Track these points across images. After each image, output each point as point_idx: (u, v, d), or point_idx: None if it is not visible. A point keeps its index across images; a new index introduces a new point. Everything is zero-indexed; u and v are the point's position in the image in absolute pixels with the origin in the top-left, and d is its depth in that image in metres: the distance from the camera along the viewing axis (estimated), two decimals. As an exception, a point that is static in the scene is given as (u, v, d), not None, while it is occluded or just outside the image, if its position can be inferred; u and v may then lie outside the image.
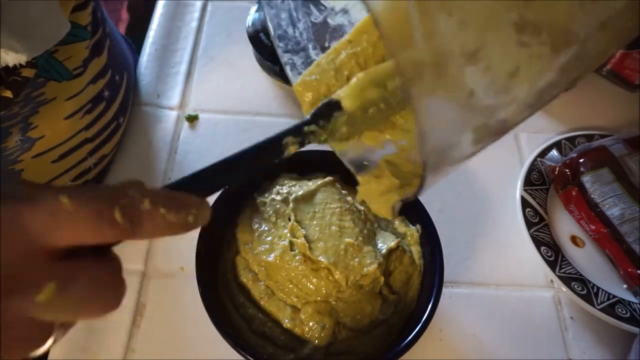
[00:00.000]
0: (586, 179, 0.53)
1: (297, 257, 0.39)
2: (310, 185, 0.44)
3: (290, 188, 0.44)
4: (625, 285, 0.50)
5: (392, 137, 0.30)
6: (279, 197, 0.43)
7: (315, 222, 0.41)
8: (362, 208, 0.44)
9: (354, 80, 0.30)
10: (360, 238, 0.41)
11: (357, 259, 0.39)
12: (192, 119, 0.58)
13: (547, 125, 0.62)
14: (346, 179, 0.46)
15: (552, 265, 0.49)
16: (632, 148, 0.54)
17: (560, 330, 0.48)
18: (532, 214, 0.52)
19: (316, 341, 0.39)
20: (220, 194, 0.42)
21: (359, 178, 0.31)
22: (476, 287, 0.50)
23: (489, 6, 0.20)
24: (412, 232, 0.44)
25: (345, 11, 0.35)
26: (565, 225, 0.54)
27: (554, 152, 0.57)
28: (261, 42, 0.59)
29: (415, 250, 0.44)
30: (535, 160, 0.56)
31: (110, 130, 0.52)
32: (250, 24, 0.60)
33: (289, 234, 0.40)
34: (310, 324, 0.39)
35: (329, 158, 0.37)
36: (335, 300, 0.40)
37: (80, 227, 0.21)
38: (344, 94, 0.29)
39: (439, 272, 0.41)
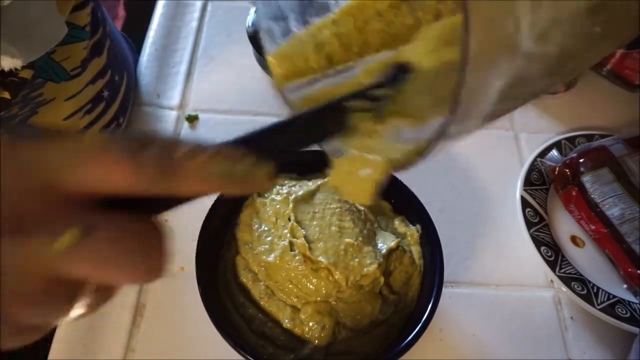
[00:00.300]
0: (586, 179, 0.53)
1: (297, 257, 0.39)
2: (310, 185, 0.44)
3: (290, 188, 0.44)
4: (625, 285, 0.50)
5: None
6: (278, 197, 0.43)
7: (315, 222, 0.41)
8: (362, 208, 0.44)
9: (420, 38, 0.26)
10: (360, 238, 0.41)
11: (357, 259, 0.39)
12: (192, 119, 0.58)
13: (547, 125, 0.62)
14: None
15: (552, 265, 0.49)
16: (632, 148, 0.54)
17: (560, 330, 0.48)
18: (532, 214, 0.52)
19: (316, 341, 0.39)
20: (220, 194, 0.42)
21: (334, 160, 0.27)
22: (476, 287, 0.50)
23: None
24: (412, 232, 0.44)
25: None
26: (565, 225, 0.54)
27: (554, 152, 0.57)
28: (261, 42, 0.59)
29: (415, 250, 0.44)
30: (535, 160, 0.56)
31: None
32: (250, 24, 0.60)
33: (288, 234, 0.40)
34: (310, 324, 0.39)
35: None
36: (335, 301, 0.40)
37: (105, 168, 0.18)
38: (417, 52, 0.26)
39: (439, 272, 0.41)
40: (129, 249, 0.19)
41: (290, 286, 0.40)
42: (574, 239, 0.53)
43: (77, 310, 0.19)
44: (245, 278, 0.41)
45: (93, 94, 0.49)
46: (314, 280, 0.39)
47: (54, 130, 0.19)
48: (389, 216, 0.46)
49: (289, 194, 0.43)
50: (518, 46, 0.19)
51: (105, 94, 0.51)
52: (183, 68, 0.62)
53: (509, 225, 0.53)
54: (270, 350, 0.39)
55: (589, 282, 0.49)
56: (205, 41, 0.65)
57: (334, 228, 0.41)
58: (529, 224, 0.51)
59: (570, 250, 0.52)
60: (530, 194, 0.54)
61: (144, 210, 0.20)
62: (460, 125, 0.20)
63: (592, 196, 0.52)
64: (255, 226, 0.42)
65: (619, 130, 0.60)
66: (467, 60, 0.17)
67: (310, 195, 0.43)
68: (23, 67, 0.39)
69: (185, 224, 0.39)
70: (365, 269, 0.39)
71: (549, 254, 0.50)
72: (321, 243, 0.40)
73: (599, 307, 0.47)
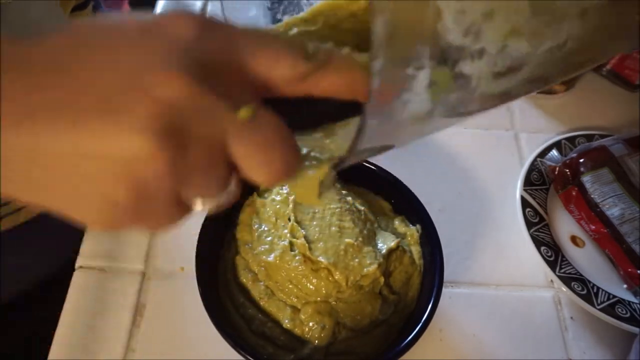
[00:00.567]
0: (586, 179, 0.53)
1: (297, 258, 0.39)
2: (310, 185, 0.44)
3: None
4: (625, 285, 0.50)
5: None
6: (279, 197, 0.43)
7: (315, 223, 0.41)
8: (362, 208, 0.44)
9: None
10: (360, 238, 0.41)
11: (357, 259, 0.39)
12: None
13: (547, 125, 0.62)
14: (346, 179, 0.46)
15: (552, 265, 0.49)
16: (632, 148, 0.54)
17: (560, 330, 0.48)
18: (532, 214, 0.52)
19: (316, 341, 0.39)
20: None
21: None
22: (476, 287, 0.50)
23: None
24: (412, 232, 0.44)
25: None
26: (565, 225, 0.54)
27: (554, 152, 0.57)
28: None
29: (415, 250, 0.44)
30: (535, 160, 0.56)
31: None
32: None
33: (288, 234, 0.40)
34: (310, 324, 0.39)
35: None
36: (335, 301, 0.40)
37: (282, 56, 0.21)
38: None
39: (439, 272, 0.41)
40: (284, 141, 0.21)
41: (290, 286, 0.40)
42: (574, 239, 0.53)
43: (215, 200, 0.22)
44: (245, 278, 0.41)
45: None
46: (314, 281, 0.39)
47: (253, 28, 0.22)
48: (389, 216, 0.47)
49: (289, 194, 0.43)
50: (439, 35, 0.19)
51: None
52: (183, 68, 0.62)
53: (509, 225, 0.53)
54: (270, 350, 0.39)
55: (589, 282, 0.49)
56: (205, 41, 0.65)
57: (334, 228, 0.41)
58: (529, 224, 0.51)
59: (570, 250, 0.52)
60: (530, 194, 0.54)
61: None
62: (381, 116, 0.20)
63: (592, 196, 0.52)
64: (255, 226, 0.42)
65: (619, 130, 0.60)
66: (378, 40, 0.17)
67: (310, 195, 0.43)
68: None
69: (185, 223, 0.39)
70: (365, 269, 0.39)
71: (549, 254, 0.50)
72: (321, 243, 0.40)
73: (599, 307, 0.47)
